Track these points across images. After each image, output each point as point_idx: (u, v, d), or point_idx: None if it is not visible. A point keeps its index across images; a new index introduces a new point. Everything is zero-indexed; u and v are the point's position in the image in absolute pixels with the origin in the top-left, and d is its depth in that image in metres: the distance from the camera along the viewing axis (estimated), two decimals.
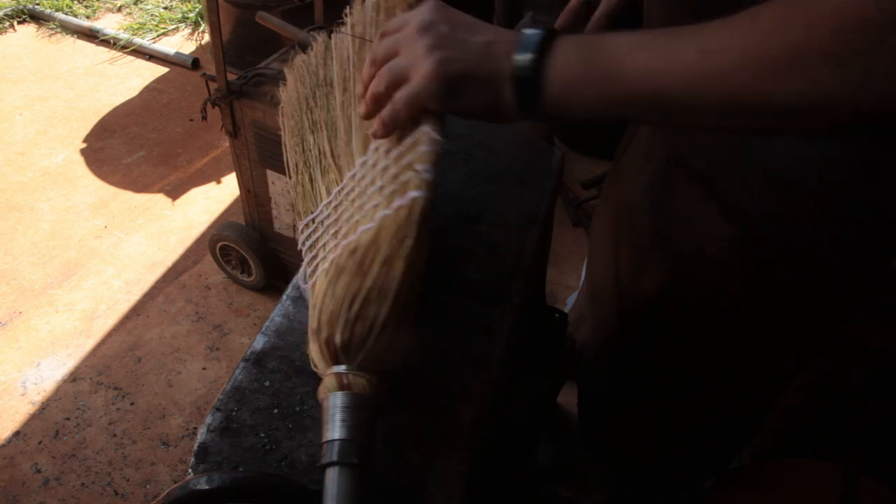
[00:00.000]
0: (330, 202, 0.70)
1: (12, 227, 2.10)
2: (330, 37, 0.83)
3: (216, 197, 2.23)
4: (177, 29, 2.99)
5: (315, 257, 0.67)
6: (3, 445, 1.58)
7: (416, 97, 0.59)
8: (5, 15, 2.97)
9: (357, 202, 0.65)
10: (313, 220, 0.71)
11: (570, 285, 1.90)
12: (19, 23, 3.00)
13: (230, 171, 2.27)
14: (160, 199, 2.21)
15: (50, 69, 2.75)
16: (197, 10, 3.02)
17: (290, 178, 0.77)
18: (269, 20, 1.65)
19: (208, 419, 0.61)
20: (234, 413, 0.61)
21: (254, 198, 1.72)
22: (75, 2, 3.09)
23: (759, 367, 0.87)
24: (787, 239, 0.70)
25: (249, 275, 1.88)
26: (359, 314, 0.56)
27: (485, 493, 0.73)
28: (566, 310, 1.39)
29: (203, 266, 2.00)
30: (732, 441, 1.06)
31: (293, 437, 0.60)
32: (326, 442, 0.52)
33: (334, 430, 0.52)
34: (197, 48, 2.90)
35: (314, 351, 0.57)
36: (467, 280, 0.73)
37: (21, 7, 3.00)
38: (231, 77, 1.53)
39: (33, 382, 1.70)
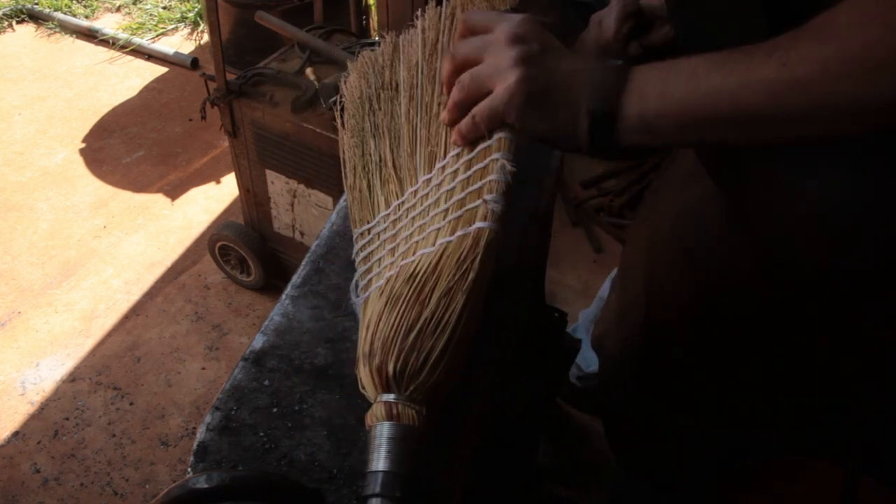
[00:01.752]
0: (388, 215, 0.67)
1: (11, 227, 2.10)
2: (398, 36, 0.80)
3: (215, 197, 2.23)
4: (176, 29, 2.99)
5: (369, 271, 0.65)
6: (3, 445, 1.57)
7: (496, 111, 0.58)
8: (4, 14, 2.97)
9: (418, 221, 0.63)
10: (369, 231, 0.69)
11: (570, 285, 1.90)
12: (18, 22, 2.99)
13: (229, 171, 2.27)
14: (159, 198, 2.21)
15: (49, 69, 2.75)
16: (196, 9, 3.01)
17: (345, 178, 0.74)
18: (269, 20, 1.65)
19: (207, 418, 0.60)
20: (233, 412, 0.61)
21: (253, 197, 1.72)
22: (74, 1, 3.09)
23: (761, 371, 0.87)
24: (807, 272, 0.69)
25: (249, 274, 1.87)
26: (414, 345, 0.55)
27: (485, 493, 0.73)
28: (575, 324, 1.39)
29: (202, 266, 2.00)
30: (740, 443, 1.06)
31: (292, 436, 0.60)
32: (370, 472, 0.51)
33: (379, 461, 0.51)
34: (196, 48, 2.90)
35: (364, 375, 0.56)
36: None
37: (20, 7, 3.00)
38: (230, 77, 1.53)
39: (32, 382, 1.70)
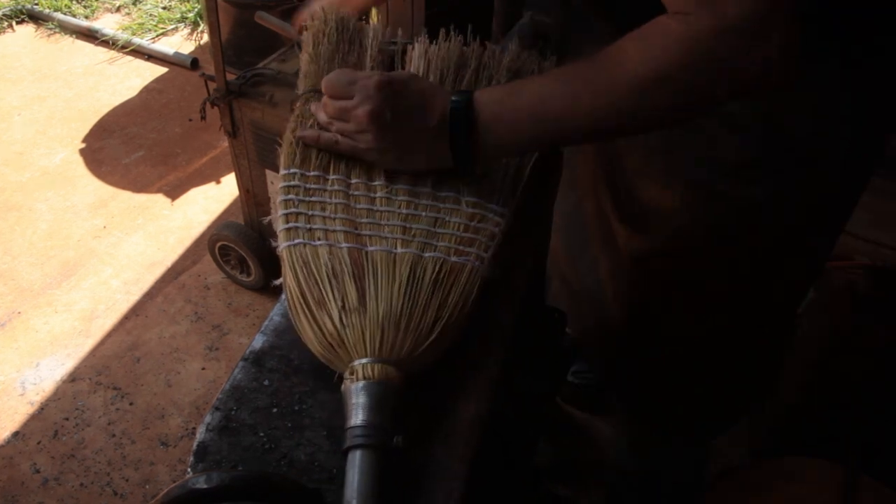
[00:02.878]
0: (331, 179, 0.73)
1: (11, 227, 2.10)
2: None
3: (215, 197, 2.23)
4: (176, 29, 2.99)
5: (310, 219, 0.70)
6: (2, 446, 1.57)
7: (360, 154, 0.72)
8: (4, 15, 2.97)
9: (391, 218, 0.70)
10: (320, 179, 0.73)
11: None
12: (18, 23, 2.99)
13: (229, 171, 2.27)
14: (159, 198, 2.21)
15: (49, 69, 2.75)
16: (196, 9, 3.01)
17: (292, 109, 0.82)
18: (269, 20, 1.65)
19: (207, 418, 0.60)
20: (233, 412, 0.61)
21: (253, 198, 1.72)
22: (74, 2, 3.09)
23: (744, 302, 0.96)
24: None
25: (248, 275, 1.87)
26: (413, 326, 0.61)
27: (484, 493, 0.73)
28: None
29: (202, 266, 2.00)
30: (742, 390, 1.10)
31: (292, 436, 0.60)
32: (349, 428, 0.54)
33: (357, 415, 0.54)
34: (196, 48, 2.90)
35: (349, 334, 0.60)
36: None
37: (20, 7, 3.00)
38: (230, 77, 1.53)
39: (32, 382, 1.70)
